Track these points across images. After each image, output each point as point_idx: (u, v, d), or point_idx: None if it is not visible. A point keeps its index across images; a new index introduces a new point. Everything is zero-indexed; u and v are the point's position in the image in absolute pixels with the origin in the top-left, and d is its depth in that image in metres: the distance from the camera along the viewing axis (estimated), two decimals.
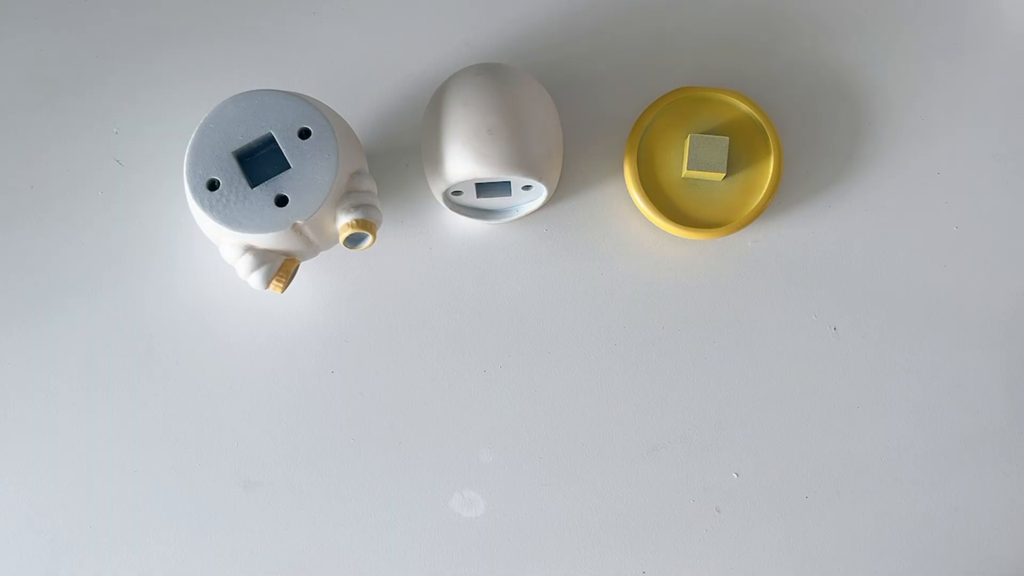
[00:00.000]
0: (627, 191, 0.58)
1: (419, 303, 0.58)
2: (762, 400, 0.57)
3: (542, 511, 0.57)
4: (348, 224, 0.51)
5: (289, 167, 0.51)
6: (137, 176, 0.60)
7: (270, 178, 0.51)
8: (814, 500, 0.57)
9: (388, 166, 0.60)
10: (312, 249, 0.53)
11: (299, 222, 0.50)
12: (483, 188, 0.55)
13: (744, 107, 0.58)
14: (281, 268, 0.52)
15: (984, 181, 0.59)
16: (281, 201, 0.50)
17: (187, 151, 0.51)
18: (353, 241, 0.52)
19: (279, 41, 0.61)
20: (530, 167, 0.53)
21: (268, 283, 0.51)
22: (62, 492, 0.57)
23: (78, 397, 0.58)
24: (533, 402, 0.57)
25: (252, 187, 0.50)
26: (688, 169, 0.57)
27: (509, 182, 0.55)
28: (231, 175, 0.51)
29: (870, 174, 0.59)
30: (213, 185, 0.51)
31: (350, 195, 0.52)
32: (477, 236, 0.59)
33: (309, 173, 0.51)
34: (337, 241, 0.53)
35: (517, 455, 0.57)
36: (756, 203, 0.57)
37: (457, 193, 0.56)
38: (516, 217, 0.58)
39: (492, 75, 0.53)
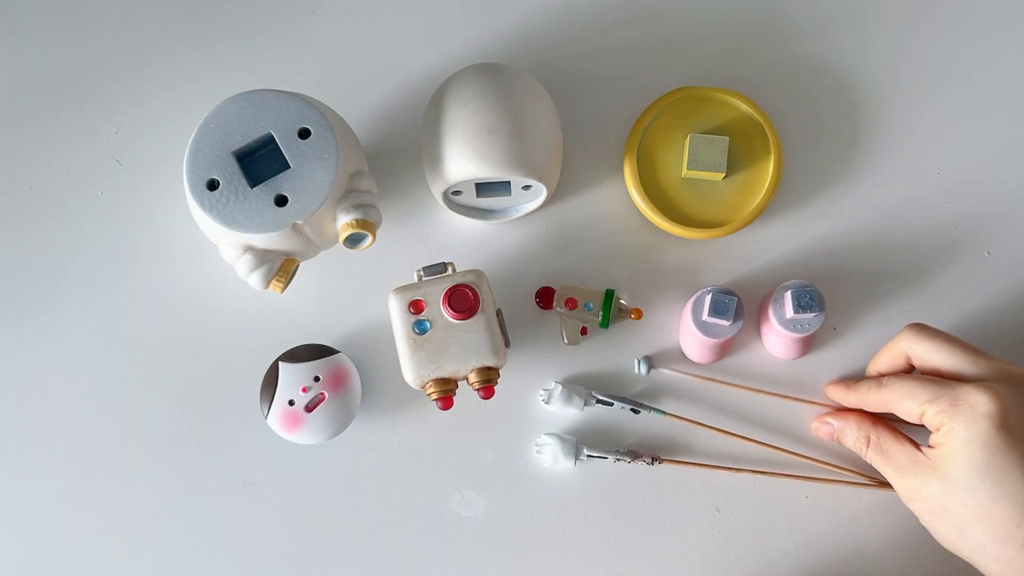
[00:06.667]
0: (627, 191, 0.58)
1: None
2: (762, 399, 0.57)
3: (542, 511, 0.57)
4: (348, 224, 0.51)
5: (289, 167, 0.51)
6: (137, 176, 0.60)
7: (270, 178, 0.51)
8: (814, 500, 0.57)
9: (388, 166, 0.60)
10: (312, 249, 0.53)
11: (299, 222, 0.50)
12: (483, 188, 0.55)
13: (744, 107, 0.58)
14: (281, 268, 0.52)
15: (984, 181, 0.59)
16: (281, 201, 0.50)
17: (187, 151, 0.51)
18: (353, 241, 0.52)
19: (279, 41, 0.61)
20: (530, 167, 0.53)
21: (268, 283, 0.51)
22: (62, 491, 0.57)
23: (77, 396, 0.58)
24: (533, 402, 0.57)
25: (252, 187, 0.50)
26: (688, 169, 0.56)
27: (509, 182, 0.55)
28: (231, 175, 0.51)
29: (870, 174, 0.59)
30: (213, 185, 0.51)
31: (350, 195, 0.52)
32: (477, 236, 0.59)
33: (309, 173, 0.51)
34: (337, 241, 0.53)
35: (517, 455, 0.57)
36: (756, 203, 0.57)
37: (457, 193, 0.56)
38: (516, 217, 0.58)
39: (492, 75, 0.53)
